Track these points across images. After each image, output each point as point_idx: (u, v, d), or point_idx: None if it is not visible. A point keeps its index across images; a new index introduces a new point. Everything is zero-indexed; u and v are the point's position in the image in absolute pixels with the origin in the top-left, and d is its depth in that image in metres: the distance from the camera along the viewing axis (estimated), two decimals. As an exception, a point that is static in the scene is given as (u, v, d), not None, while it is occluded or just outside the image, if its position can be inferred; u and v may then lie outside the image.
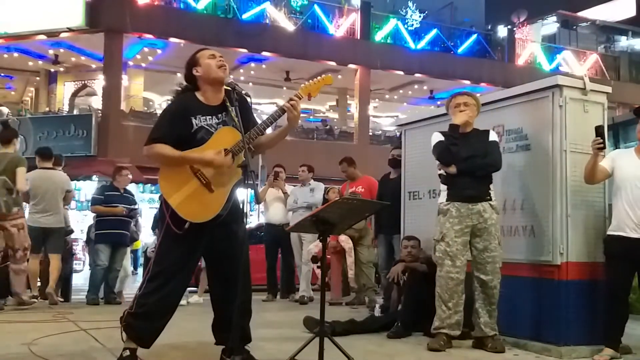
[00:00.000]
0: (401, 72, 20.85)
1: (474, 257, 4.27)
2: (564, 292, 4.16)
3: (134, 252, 13.57)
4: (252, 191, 3.15)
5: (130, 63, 19.16)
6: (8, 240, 6.09)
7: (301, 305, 7.15)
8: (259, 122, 3.37)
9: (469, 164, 4.23)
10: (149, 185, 16.84)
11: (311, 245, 7.32)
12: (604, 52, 26.46)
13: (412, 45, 21.03)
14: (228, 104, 3.27)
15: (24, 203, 6.50)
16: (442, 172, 4.38)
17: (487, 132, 4.42)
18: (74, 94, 20.20)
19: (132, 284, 8.17)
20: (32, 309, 6.21)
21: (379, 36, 20.78)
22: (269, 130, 3.38)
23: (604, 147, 4.00)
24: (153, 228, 8.79)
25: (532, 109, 4.53)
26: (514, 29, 23.64)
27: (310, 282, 7.76)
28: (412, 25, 22.18)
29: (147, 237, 11.33)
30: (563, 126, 4.28)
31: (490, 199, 4.27)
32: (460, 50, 21.91)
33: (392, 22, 21.13)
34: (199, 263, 3.80)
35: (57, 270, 7.09)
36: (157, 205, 10.18)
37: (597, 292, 4.16)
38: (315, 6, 19.97)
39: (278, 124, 3.51)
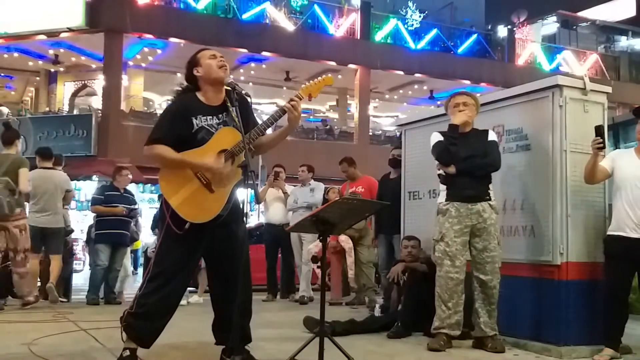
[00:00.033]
0: (401, 72, 20.86)
1: (474, 257, 4.27)
2: (564, 292, 4.16)
3: (134, 252, 13.57)
4: (252, 191, 3.15)
5: (130, 63, 19.16)
6: (9, 242, 6.10)
7: (301, 305, 7.15)
8: (259, 122, 3.38)
9: (468, 164, 4.23)
10: (149, 185, 16.84)
11: (311, 245, 7.32)
12: (604, 52, 26.47)
13: (412, 45, 21.03)
14: (229, 104, 3.27)
15: (25, 203, 6.51)
16: (441, 172, 4.38)
17: (486, 131, 4.42)
18: (74, 94, 20.20)
19: (132, 284, 8.17)
20: (32, 309, 6.21)
21: (379, 36, 20.78)
22: (269, 131, 3.38)
23: (604, 147, 4.00)
24: (152, 228, 8.80)
25: (532, 109, 4.53)
26: (514, 29, 23.65)
27: (310, 282, 7.76)
28: (412, 25, 22.18)
29: (147, 237, 11.34)
30: (563, 126, 4.28)
31: (490, 199, 4.27)
32: (460, 50, 21.91)
33: (392, 22, 21.13)
34: (199, 263, 3.80)
35: (58, 268, 7.09)
36: (157, 205, 10.23)
37: (597, 292, 4.16)
38: (315, 6, 19.97)
39: (278, 124, 3.51)
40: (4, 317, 5.62)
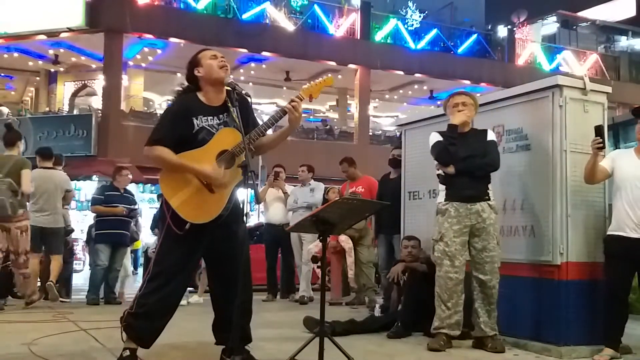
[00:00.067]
0: (401, 72, 20.85)
1: (473, 257, 4.27)
2: (564, 292, 4.16)
3: (134, 252, 13.58)
4: (252, 191, 3.15)
5: (130, 63, 19.16)
6: (10, 243, 6.11)
7: (301, 305, 7.15)
8: (260, 122, 3.38)
9: (467, 164, 4.23)
10: (149, 185, 16.84)
11: (311, 245, 7.33)
12: (604, 52, 26.46)
13: (412, 45, 21.03)
14: (229, 104, 3.27)
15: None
16: (440, 172, 4.38)
17: (485, 131, 4.42)
18: (74, 94, 20.20)
19: (132, 284, 8.18)
20: (32, 309, 6.22)
21: (379, 36, 20.78)
22: (269, 131, 3.38)
23: (604, 147, 4.00)
24: (152, 228, 8.80)
25: (532, 109, 4.53)
26: (514, 29, 23.64)
27: (311, 282, 7.76)
28: (412, 25, 22.18)
29: (147, 237, 11.34)
30: (563, 126, 4.28)
31: (489, 199, 4.27)
32: (460, 50, 21.91)
33: (392, 22, 21.13)
34: (199, 263, 3.80)
35: (58, 268, 7.10)
36: (157, 205, 10.23)
37: (597, 292, 4.16)
38: (315, 6, 19.97)
39: (279, 125, 3.51)
40: (4, 317, 5.63)
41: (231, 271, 3.24)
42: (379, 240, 6.82)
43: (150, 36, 17.47)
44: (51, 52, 18.63)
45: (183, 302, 5.24)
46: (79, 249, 13.19)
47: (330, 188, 7.74)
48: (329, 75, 3.69)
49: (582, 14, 28.32)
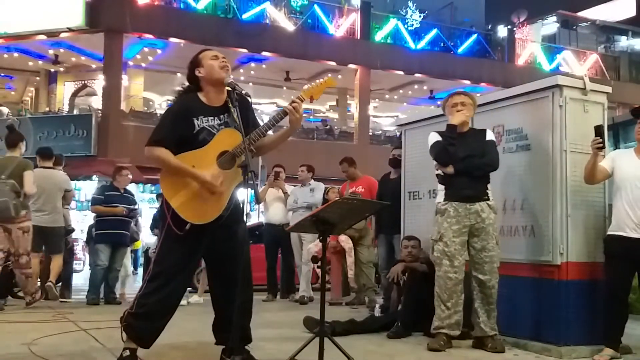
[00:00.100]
0: (401, 72, 20.86)
1: (472, 256, 4.27)
2: (564, 292, 4.16)
3: (134, 252, 13.58)
4: (252, 191, 3.15)
5: (130, 63, 19.16)
6: (12, 244, 6.15)
7: (301, 305, 7.15)
8: (260, 122, 3.38)
9: (466, 164, 4.23)
10: (149, 185, 16.83)
11: (311, 244, 7.33)
12: (604, 52, 26.47)
13: (412, 45, 21.03)
14: (230, 105, 3.26)
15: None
16: (439, 172, 4.38)
17: (484, 131, 4.42)
18: (74, 94, 20.20)
19: (132, 284, 8.18)
20: (32, 309, 6.22)
21: (379, 36, 20.78)
22: (270, 132, 3.38)
23: (604, 147, 4.00)
24: (152, 228, 8.80)
25: (532, 109, 4.53)
26: (514, 29, 23.65)
27: (311, 282, 7.76)
28: (412, 25, 22.18)
29: (147, 237, 11.34)
30: (563, 126, 4.28)
31: (488, 199, 4.27)
32: (460, 50, 21.91)
33: (392, 22, 21.13)
34: (199, 263, 3.79)
35: (58, 267, 7.12)
36: (157, 205, 10.23)
37: (597, 292, 4.16)
38: (315, 6, 19.97)
39: (279, 125, 3.50)
40: (4, 317, 5.63)
41: (231, 271, 3.24)
42: (379, 240, 6.82)
43: (150, 36, 17.47)
44: (51, 52, 18.63)
45: (183, 302, 5.24)
46: (79, 249, 13.20)
47: (330, 188, 7.73)
48: (329, 75, 3.68)
49: (582, 14, 28.32)
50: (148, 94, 21.46)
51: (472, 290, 4.27)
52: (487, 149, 4.30)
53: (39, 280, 7.08)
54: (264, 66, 20.03)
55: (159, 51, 18.66)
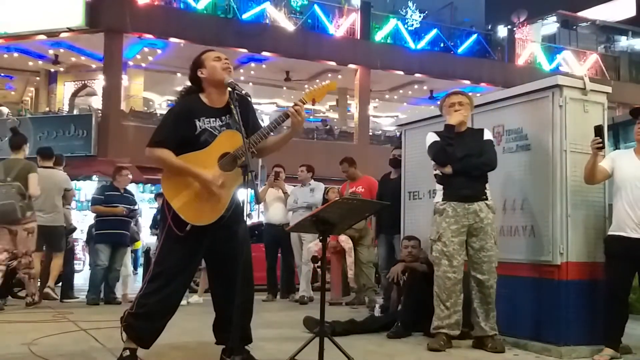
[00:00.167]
0: (401, 72, 20.86)
1: (470, 256, 4.27)
2: (564, 292, 4.16)
3: (134, 252, 13.57)
4: (252, 191, 3.15)
5: (130, 63, 19.16)
6: (16, 245, 6.21)
7: (301, 305, 7.15)
8: (261, 122, 3.37)
9: (464, 163, 4.23)
10: (149, 185, 16.84)
11: (311, 244, 7.33)
12: (604, 52, 26.47)
13: (412, 45, 21.03)
14: (232, 106, 3.26)
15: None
16: (437, 172, 4.37)
17: (481, 131, 4.42)
18: (74, 94, 20.20)
19: (132, 284, 8.18)
20: (32, 309, 6.23)
21: (379, 36, 20.78)
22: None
23: (603, 147, 4.00)
24: (152, 227, 8.81)
25: (532, 109, 4.53)
26: (514, 29, 23.65)
27: (311, 282, 7.76)
28: (412, 25, 22.19)
29: (147, 237, 11.34)
30: (563, 126, 4.28)
31: (487, 199, 4.27)
32: (460, 50, 21.91)
33: (392, 22, 21.13)
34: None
35: (58, 268, 7.14)
36: (157, 205, 10.23)
37: (597, 292, 4.16)
38: (315, 6, 19.97)
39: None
40: (4, 317, 5.63)
41: (232, 271, 3.24)
42: (379, 240, 6.82)
43: (150, 36, 17.47)
44: (51, 52, 18.63)
45: (183, 302, 5.24)
46: (79, 249, 13.20)
47: (330, 188, 7.73)
48: (330, 77, 3.68)
49: (582, 14, 28.32)
50: (148, 94, 21.47)
51: (471, 290, 4.27)
52: (485, 148, 4.30)
53: (39, 280, 7.09)
54: (264, 66, 20.03)
55: (159, 51, 18.66)
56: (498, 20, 24.88)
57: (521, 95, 4.64)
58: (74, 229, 8.18)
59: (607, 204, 4.37)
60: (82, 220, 14.46)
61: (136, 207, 7.78)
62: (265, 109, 22.27)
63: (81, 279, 10.82)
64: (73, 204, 11.79)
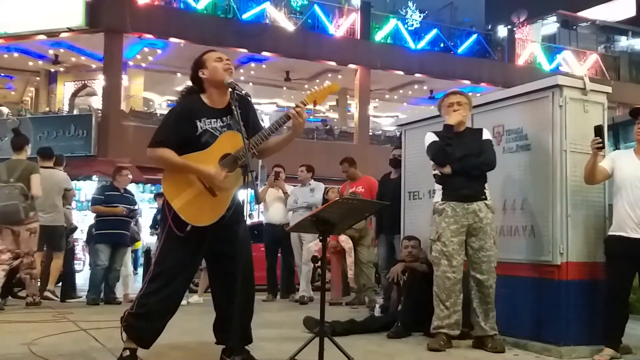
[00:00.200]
0: (401, 72, 20.86)
1: (470, 256, 4.27)
2: (564, 292, 4.16)
3: (134, 252, 13.57)
4: (252, 191, 3.15)
5: (130, 63, 19.16)
6: (18, 245, 6.26)
7: (301, 305, 7.15)
8: (261, 122, 3.37)
9: (463, 163, 4.23)
10: (149, 185, 16.84)
11: (311, 243, 7.33)
12: (604, 52, 26.47)
13: (412, 45, 21.03)
14: (233, 107, 3.26)
15: None
16: (436, 172, 4.37)
17: (480, 130, 4.42)
18: (74, 94, 20.20)
19: (132, 284, 8.18)
20: (32, 309, 6.23)
21: (379, 36, 20.78)
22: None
23: (603, 147, 4.00)
24: (152, 227, 8.81)
25: (532, 109, 4.53)
26: (514, 29, 23.65)
27: (311, 282, 7.76)
28: (412, 25, 22.19)
29: (147, 237, 11.33)
30: (563, 126, 4.28)
31: (486, 198, 4.27)
32: (460, 50, 21.91)
33: (392, 22, 21.13)
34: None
35: (57, 270, 7.15)
36: (156, 205, 10.23)
37: (597, 292, 4.16)
38: (315, 6, 19.97)
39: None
40: (4, 317, 5.63)
41: (233, 271, 3.24)
42: (379, 240, 6.82)
43: (150, 36, 17.47)
44: (51, 52, 18.63)
45: (183, 302, 5.25)
46: (79, 249, 13.20)
47: (330, 188, 7.74)
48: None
49: (582, 14, 28.32)
50: (148, 94, 21.47)
51: (471, 290, 4.27)
52: (484, 148, 4.30)
53: (39, 280, 7.10)
54: (264, 66, 20.03)
55: (159, 51, 18.66)
56: (498, 20, 24.88)
57: (521, 95, 4.64)
58: (75, 228, 8.19)
59: (607, 204, 4.37)
60: (82, 220, 14.45)
61: (136, 207, 7.78)
62: (265, 109, 22.27)
63: (81, 279, 10.82)
64: (73, 204, 11.80)
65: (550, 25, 26.90)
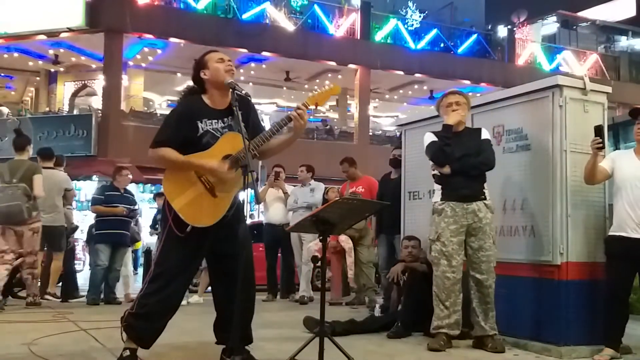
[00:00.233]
0: (401, 72, 20.86)
1: (469, 256, 4.27)
2: (564, 292, 4.16)
3: (134, 252, 13.57)
4: (252, 191, 3.15)
5: (130, 63, 19.16)
6: (21, 245, 6.28)
7: (301, 305, 7.15)
8: (261, 122, 3.37)
9: (462, 163, 4.23)
10: (149, 185, 16.84)
11: (311, 243, 7.33)
12: (604, 52, 26.47)
13: (412, 45, 21.03)
14: (235, 108, 3.26)
15: None
16: (435, 172, 4.37)
17: (479, 130, 4.42)
18: (74, 94, 20.20)
19: (132, 285, 8.19)
20: (32, 309, 6.23)
21: (379, 36, 20.78)
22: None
23: (603, 147, 4.00)
24: (151, 227, 8.81)
25: (532, 109, 4.53)
26: (514, 29, 23.65)
27: (311, 282, 7.76)
28: (412, 25, 22.19)
29: (147, 238, 11.34)
30: (563, 126, 4.28)
31: (485, 198, 4.27)
32: (460, 50, 21.91)
33: (392, 22, 21.13)
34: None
35: (57, 271, 7.16)
36: (156, 205, 10.23)
37: (597, 292, 4.16)
38: (315, 6, 19.97)
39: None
40: (4, 317, 5.63)
41: (233, 270, 3.24)
42: (379, 240, 6.82)
43: (150, 36, 17.47)
44: (51, 52, 18.63)
45: (183, 302, 5.25)
46: (79, 249, 13.20)
47: (330, 188, 7.74)
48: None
49: (582, 14, 28.32)
50: (148, 94, 21.47)
51: (470, 290, 4.27)
52: (483, 147, 4.30)
53: (39, 281, 7.10)
54: (264, 66, 20.03)
55: (159, 51, 18.66)
56: (498, 20, 24.88)
57: (521, 95, 4.64)
58: (76, 227, 8.21)
59: (607, 204, 4.37)
60: (82, 220, 14.45)
61: (136, 207, 7.78)
62: (266, 109, 22.26)
63: (81, 279, 10.82)
64: (74, 204, 11.81)
65: (550, 25, 26.90)
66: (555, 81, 4.34)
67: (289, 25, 19.41)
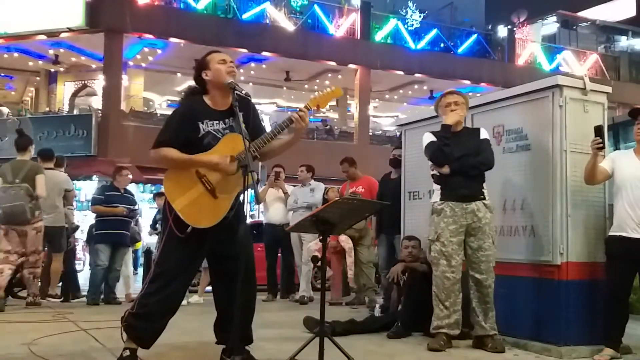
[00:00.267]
0: (401, 72, 20.86)
1: (468, 256, 4.27)
2: (564, 292, 4.16)
3: (135, 252, 13.56)
4: (252, 191, 3.15)
5: (130, 63, 19.16)
6: (24, 245, 6.31)
7: (301, 305, 7.16)
8: (262, 122, 3.37)
9: (461, 163, 4.23)
10: (149, 185, 16.83)
11: (311, 243, 7.33)
12: (604, 52, 26.47)
13: (412, 45, 21.03)
14: (236, 108, 3.26)
15: None
16: (435, 172, 4.37)
17: (478, 130, 4.42)
18: (74, 94, 20.19)
19: (132, 285, 8.19)
20: (32, 309, 6.23)
21: (379, 36, 20.78)
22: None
23: (603, 147, 4.01)
24: (151, 227, 8.81)
25: (532, 109, 4.53)
26: (514, 29, 23.65)
27: (311, 282, 7.76)
28: (412, 25, 22.19)
29: (147, 238, 11.34)
30: (563, 126, 4.28)
31: (484, 198, 4.27)
32: (460, 50, 21.91)
33: (392, 22, 21.13)
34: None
35: (57, 272, 7.17)
36: (156, 205, 10.23)
37: (597, 292, 4.16)
38: (315, 6, 19.96)
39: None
40: (4, 317, 5.63)
41: (234, 270, 3.24)
42: (379, 240, 6.82)
43: (150, 36, 17.46)
44: (51, 52, 18.62)
45: (183, 302, 5.25)
46: (79, 249, 13.19)
47: (330, 188, 7.74)
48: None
49: (582, 14, 28.32)
50: (148, 94, 21.47)
51: (470, 290, 4.27)
52: (482, 147, 4.30)
53: (39, 280, 7.10)
54: (264, 66, 20.03)
55: (159, 51, 18.66)
56: (498, 20, 24.88)
57: (521, 95, 4.64)
58: (77, 227, 8.23)
59: (607, 204, 4.37)
60: (83, 220, 14.45)
61: (136, 207, 7.79)
62: (266, 109, 22.26)
63: (81, 279, 10.82)
64: (74, 204, 11.80)
65: (550, 25, 26.90)
66: (555, 81, 4.35)
67: (289, 25, 19.40)
